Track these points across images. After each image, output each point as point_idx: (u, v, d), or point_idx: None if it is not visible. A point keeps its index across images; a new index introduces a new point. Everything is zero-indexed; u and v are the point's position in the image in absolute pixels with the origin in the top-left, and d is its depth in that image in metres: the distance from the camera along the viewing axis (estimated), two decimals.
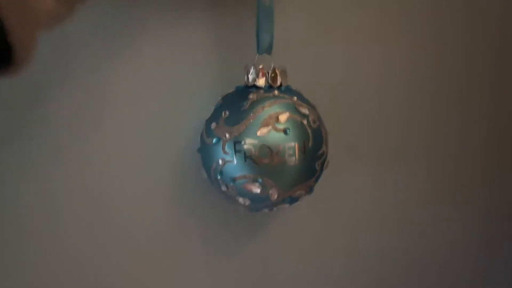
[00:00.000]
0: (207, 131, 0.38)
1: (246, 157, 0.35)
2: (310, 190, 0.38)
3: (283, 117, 0.35)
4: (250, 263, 0.48)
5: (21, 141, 0.41)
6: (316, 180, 0.39)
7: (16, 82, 0.39)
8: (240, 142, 0.35)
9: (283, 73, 0.38)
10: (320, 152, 0.38)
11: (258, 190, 0.35)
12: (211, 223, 0.46)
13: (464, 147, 0.52)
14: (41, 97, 0.41)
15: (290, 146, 0.35)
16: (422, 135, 0.50)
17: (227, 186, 0.36)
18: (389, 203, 0.51)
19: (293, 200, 0.38)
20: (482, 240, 0.55)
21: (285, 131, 0.35)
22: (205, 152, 0.38)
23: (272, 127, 0.35)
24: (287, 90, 0.38)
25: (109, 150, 0.42)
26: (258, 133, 0.35)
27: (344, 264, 0.51)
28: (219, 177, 0.36)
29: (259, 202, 0.37)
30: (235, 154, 0.35)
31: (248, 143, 0.35)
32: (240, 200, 0.37)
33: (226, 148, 0.35)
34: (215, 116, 0.38)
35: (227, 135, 0.35)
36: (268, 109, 0.35)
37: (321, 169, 0.39)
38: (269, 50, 0.38)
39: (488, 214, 0.54)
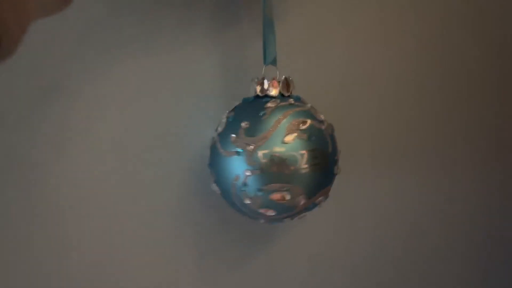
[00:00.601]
0: (224, 144, 0.37)
1: (274, 165, 0.35)
2: (327, 195, 0.39)
3: (306, 123, 0.36)
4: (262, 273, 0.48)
5: (17, 141, 0.40)
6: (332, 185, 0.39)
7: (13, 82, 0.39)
8: (266, 151, 0.35)
9: (292, 82, 0.39)
10: (336, 157, 0.39)
11: (288, 197, 0.35)
12: (219, 236, 0.46)
13: (464, 146, 0.54)
14: (42, 97, 0.40)
15: (315, 152, 0.35)
16: (422, 135, 0.51)
17: (251, 198, 0.36)
18: (389, 203, 0.52)
19: (314, 206, 0.38)
20: (483, 240, 0.57)
21: (309, 138, 0.35)
22: (221, 166, 0.37)
23: (298, 134, 0.35)
24: (298, 98, 0.39)
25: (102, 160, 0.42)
26: (285, 140, 0.35)
27: (346, 266, 0.52)
28: (244, 190, 0.36)
29: (283, 212, 0.37)
30: (261, 163, 0.35)
31: (275, 152, 0.35)
32: (263, 211, 0.37)
33: (252, 159, 0.35)
34: (231, 128, 0.37)
35: (252, 146, 0.35)
36: (290, 117, 0.36)
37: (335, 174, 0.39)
38: (274, 61, 0.40)
39: (489, 213, 0.57)
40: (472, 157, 0.54)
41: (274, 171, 0.35)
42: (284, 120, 0.35)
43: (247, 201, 0.36)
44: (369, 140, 0.50)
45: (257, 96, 0.39)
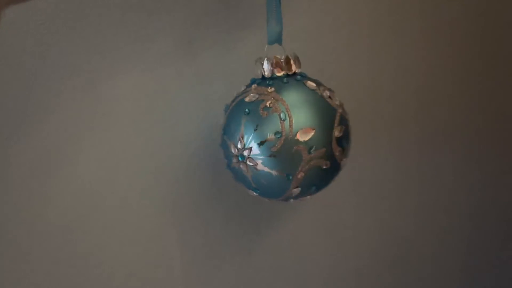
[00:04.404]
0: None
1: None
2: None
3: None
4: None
5: (14, 142, 0.40)
6: None
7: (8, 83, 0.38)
8: None
9: (298, 59, 0.39)
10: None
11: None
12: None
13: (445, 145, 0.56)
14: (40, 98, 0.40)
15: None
16: (405, 134, 0.53)
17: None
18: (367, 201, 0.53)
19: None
20: (464, 243, 0.59)
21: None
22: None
23: None
24: (305, 76, 0.39)
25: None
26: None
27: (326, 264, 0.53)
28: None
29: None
30: None
31: None
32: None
33: None
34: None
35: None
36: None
37: None
38: (279, 39, 0.38)
39: (471, 216, 0.59)
40: (454, 158, 0.56)
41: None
42: None
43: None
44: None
45: (263, 77, 0.38)
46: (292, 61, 0.38)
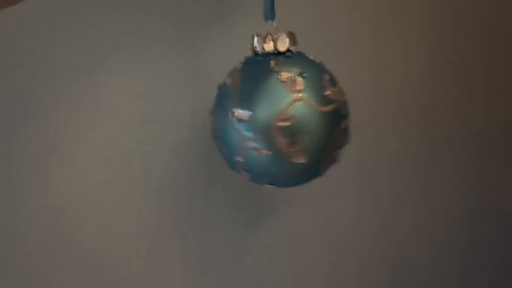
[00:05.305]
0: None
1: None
2: None
3: None
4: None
5: (14, 141, 0.40)
6: None
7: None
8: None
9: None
10: None
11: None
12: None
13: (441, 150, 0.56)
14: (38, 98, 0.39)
15: None
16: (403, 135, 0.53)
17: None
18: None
19: None
20: (464, 243, 0.59)
21: None
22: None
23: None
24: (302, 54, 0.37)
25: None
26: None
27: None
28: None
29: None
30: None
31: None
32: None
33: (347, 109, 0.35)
34: None
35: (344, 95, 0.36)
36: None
37: None
38: (272, 15, 0.37)
39: (471, 216, 0.58)
40: (448, 160, 0.56)
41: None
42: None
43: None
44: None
45: (263, 54, 0.36)
46: (281, 38, 0.35)
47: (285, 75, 0.33)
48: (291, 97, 0.33)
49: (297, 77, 0.33)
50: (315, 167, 0.34)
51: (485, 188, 0.58)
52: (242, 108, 0.34)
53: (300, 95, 0.33)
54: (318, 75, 0.34)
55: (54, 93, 0.40)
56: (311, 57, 0.37)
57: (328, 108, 0.33)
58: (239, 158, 0.34)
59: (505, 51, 0.55)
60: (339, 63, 0.47)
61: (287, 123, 0.32)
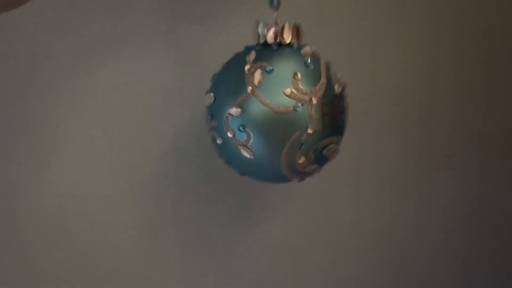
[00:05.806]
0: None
1: (335, 118, 0.33)
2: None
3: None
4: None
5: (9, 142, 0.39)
6: None
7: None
8: (326, 104, 0.32)
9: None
10: None
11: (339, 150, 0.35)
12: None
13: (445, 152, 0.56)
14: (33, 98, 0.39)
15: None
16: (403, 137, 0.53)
17: (306, 156, 0.33)
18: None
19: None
20: (464, 243, 0.59)
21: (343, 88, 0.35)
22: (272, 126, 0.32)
23: (339, 84, 0.34)
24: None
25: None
26: (335, 90, 0.33)
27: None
28: (301, 148, 0.32)
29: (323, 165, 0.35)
30: (323, 117, 0.32)
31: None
32: (312, 168, 0.34)
33: (313, 113, 0.32)
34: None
35: (313, 99, 0.32)
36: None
37: None
38: (277, 4, 0.35)
39: (471, 216, 0.58)
40: (451, 163, 0.56)
41: (333, 124, 0.33)
42: (326, 69, 0.33)
43: (301, 160, 0.32)
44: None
45: (265, 44, 0.34)
46: (284, 30, 0.34)
47: (248, 67, 0.32)
48: (247, 90, 0.32)
49: (257, 71, 0.32)
50: (267, 166, 0.33)
51: (485, 188, 0.58)
52: (209, 91, 0.34)
53: (255, 89, 0.31)
54: (290, 73, 0.32)
55: (54, 93, 0.40)
56: (311, 52, 0.34)
57: (281, 108, 0.31)
58: (212, 144, 0.35)
59: (505, 51, 0.55)
60: (339, 63, 0.46)
61: (236, 115, 0.32)
